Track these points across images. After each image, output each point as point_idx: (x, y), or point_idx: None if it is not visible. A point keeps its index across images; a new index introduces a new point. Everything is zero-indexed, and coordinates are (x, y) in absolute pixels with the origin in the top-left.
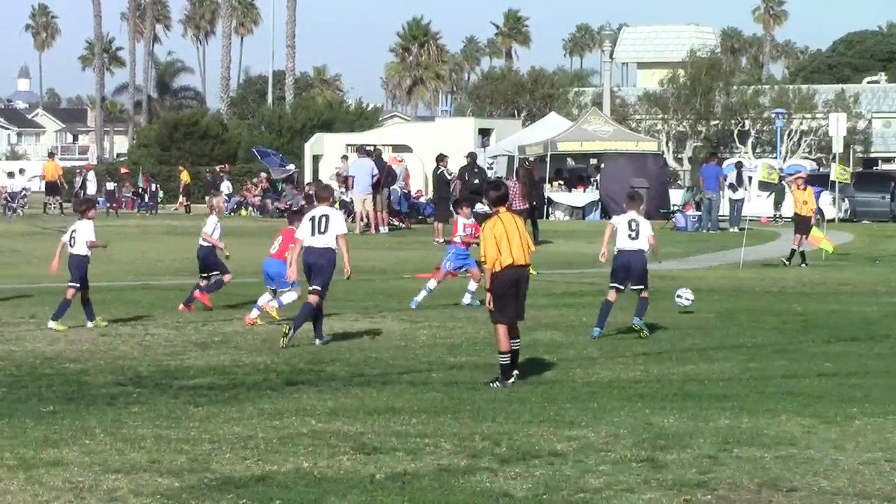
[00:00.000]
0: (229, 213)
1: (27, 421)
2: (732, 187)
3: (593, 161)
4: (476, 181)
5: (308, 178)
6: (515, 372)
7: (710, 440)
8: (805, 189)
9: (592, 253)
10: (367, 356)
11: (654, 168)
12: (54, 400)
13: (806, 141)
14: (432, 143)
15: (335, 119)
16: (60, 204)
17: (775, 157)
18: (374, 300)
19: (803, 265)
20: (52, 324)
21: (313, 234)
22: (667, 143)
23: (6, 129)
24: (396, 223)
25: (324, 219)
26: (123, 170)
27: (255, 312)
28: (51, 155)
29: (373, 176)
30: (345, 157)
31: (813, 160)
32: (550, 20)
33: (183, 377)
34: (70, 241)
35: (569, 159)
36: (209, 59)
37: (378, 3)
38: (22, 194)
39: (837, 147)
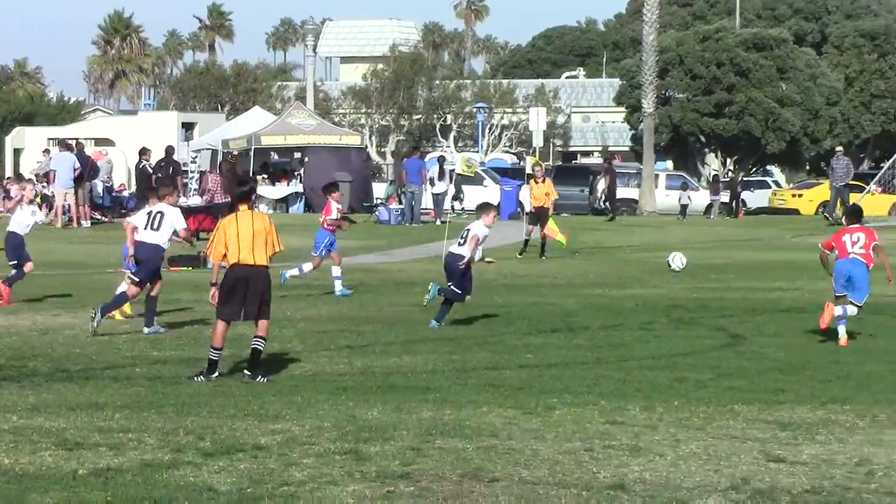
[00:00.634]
0: None
1: None
2: (432, 181)
3: (297, 155)
4: (168, 174)
5: (9, 172)
6: (259, 377)
7: (413, 432)
8: (545, 181)
9: (292, 246)
10: (70, 351)
11: (357, 162)
12: None
13: (507, 135)
14: (135, 136)
15: (36, 112)
16: None
17: (477, 151)
18: (77, 294)
19: (542, 257)
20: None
21: (146, 228)
22: (370, 137)
23: None
24: (99, 217)
25: (158, 216)
26: None
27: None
28: None
29: (75, 170)
30: (46, 151)
31: (514, 154)
32: (254, 14)
33: None
34: None
35: (273, 153)
36: None
37: None
38: None
39: (538, 141)
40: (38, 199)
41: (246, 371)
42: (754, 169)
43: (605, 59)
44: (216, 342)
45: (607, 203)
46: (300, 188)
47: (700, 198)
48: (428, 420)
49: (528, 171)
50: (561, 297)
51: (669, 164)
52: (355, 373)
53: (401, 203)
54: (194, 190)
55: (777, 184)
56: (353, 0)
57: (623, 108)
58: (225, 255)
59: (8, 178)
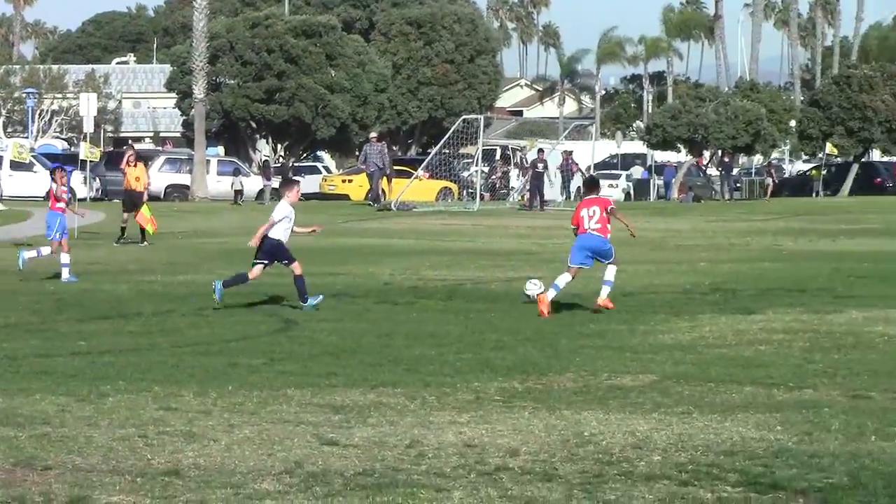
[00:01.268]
0: None
1: None
2: None
3: None
4: None
5: None
6: None
7: None
8: (136, 166)
9: None
10: None
11: None
12: None
13: (57, 121)
14: None
15: None
16: None
17: (27, 137)
18: None
19: (144, 243)
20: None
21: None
22: None
23: None
24: None
25: None
26: None
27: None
28: None
29: None
30: None
31: (65, 139)
32: None
33: None
34: None
35: None
36: None
37: None
38: None
39: (88, 127)
40: None
41: None
42: (305, 155)
43: (155, 45)
44: None
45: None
46: None
47: (253, 183)
48: None
49: (82, 156)
50: (114, 283)
51: (221, 149)
52: None
53: None
54: None
55: (327, 169)
56: None
57: (174, 94)
58: None
59: None
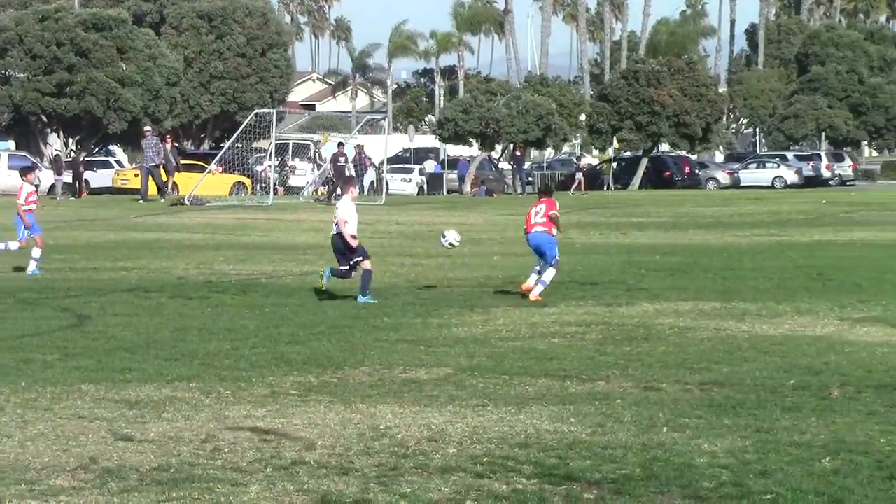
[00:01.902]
0: None
1: None
2: None
3: None
4: None
5: None
6: None
7: None
8: None
9: None
10: None
11: None
12: None
13: None
14: None
15: None
16: None
17: None
18: None
19: None
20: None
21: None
22: None
23: None
24: None
25: None
26: None
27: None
28: None
29: None
30: None
31: None
32: None
33: None
34: None
35: None
36: None
37: None
38: None
39: None
40: None
41: None
42: (97, 149)
43: None
44: None
45: None
46: None
47: (45, 178)
48: None
49: None
50: None
51: (12, 143)
52: None
53: None
54: None
55: (120, 163)
56: None
57: None
58: None
59: None
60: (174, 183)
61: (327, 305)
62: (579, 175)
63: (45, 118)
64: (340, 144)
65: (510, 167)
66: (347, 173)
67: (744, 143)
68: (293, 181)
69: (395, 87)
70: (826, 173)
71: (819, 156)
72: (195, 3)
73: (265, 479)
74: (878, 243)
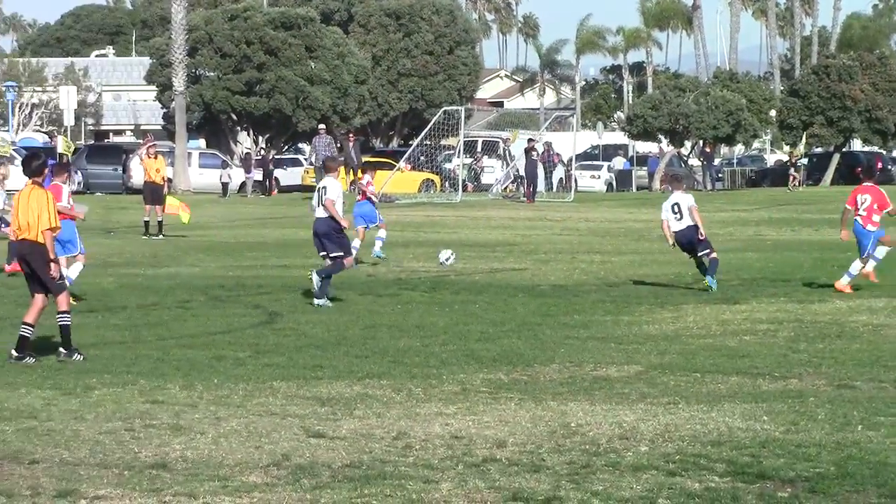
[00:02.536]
0: None
1: None
2: None
3: None
4: None
5: None
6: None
7: None
8: (156, 158)
9: None
10: None
11: None
12: None
13: (37, 114)
14: None
15: None
16: None
17: (7, 131)
18: None
19: (160, 237)
20: None
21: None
22: None
23: None
24: None
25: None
26: None
27: None
28: None
29: None
30: None
31: (45, 133)
32: None
33: None
34: None
35: None
36: None
37: None
38: None
39: (69, 120)
40: None
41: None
42: (286, 147)
43: (134, 38)
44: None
45: None
46: None
47: (236, 176)
48: None
49: (60, 150)
50: (97, 276)
51: (202, 142)
52: None
53: None
54: None
55: (310, 161)
56: None
57: (154, 87)
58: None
59: None
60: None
61: (517, 303)
62: (794, 172)
63: (234, 117)
64: (531, 140)
65: (700, 164)
66: (538, 170)
67: None
68: (483, 178)
69: (583, 83)
70: None
71: None
72: (383, 2)
73: (456, 477)
74: None
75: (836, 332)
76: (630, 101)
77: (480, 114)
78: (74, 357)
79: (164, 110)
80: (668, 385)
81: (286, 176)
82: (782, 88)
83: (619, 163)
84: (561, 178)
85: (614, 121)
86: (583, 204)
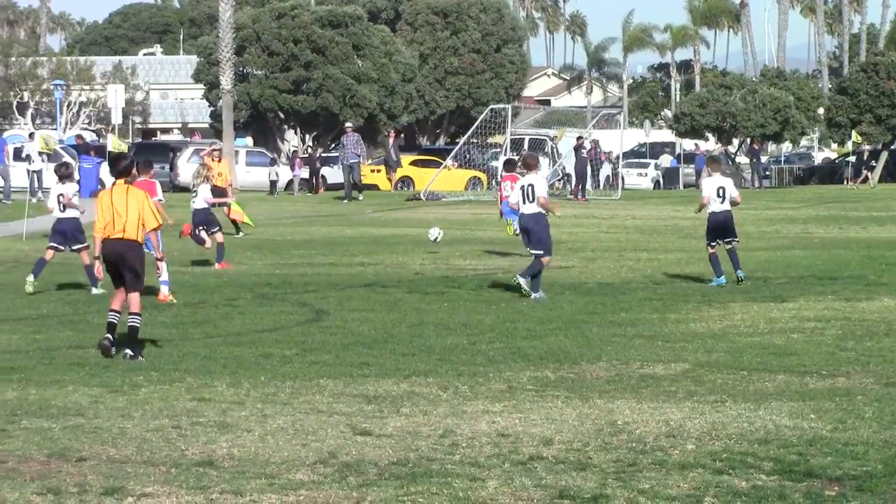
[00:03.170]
0: None
1: None
2: (29, 158)
3: None
4: None
5: None
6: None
7: None
8: (220, 161)
9: None
10: None
11: None
12: None
13: (86, 112)
14: None
15: None
16: None
17: (55, 129)
18: None
19: (241, 234)
20: None
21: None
22: None
23: None
24: None
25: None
26: None
27: None
28: None
29: None
30: None
31: (93, 131)
32: None
33: None
34: None
35: None
36: None
37: None
38: None
39: (117, 118)
40: None
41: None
42: (333, 145)
43: (182, 36)
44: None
45: None
46: None
47: (283, 174)
48: (13, 401)
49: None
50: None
51: (249, 140)
52: None
53: None
54: None
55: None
56: None
57: (201, 85)
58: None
59: None
60: (400, 178)
61: (563, 300)
62: (865, 172)
63: (282, 115)
64: (580, 137)
65: (747, 161)
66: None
67: None
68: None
69: (631, 81)
70: None
71: None
72: (430, 0)
73: (503, 475)
74: None
75: (884, 330)
76: (677, 99)
77: (527, 112)
78: (139, 359)
79: (212, 108)
80: (714, 383)
81: (333, 174)
82: (830, 86)
83: (665, 160)
84: (608, 176)
85: (661, 119)
86: (630, 201)
